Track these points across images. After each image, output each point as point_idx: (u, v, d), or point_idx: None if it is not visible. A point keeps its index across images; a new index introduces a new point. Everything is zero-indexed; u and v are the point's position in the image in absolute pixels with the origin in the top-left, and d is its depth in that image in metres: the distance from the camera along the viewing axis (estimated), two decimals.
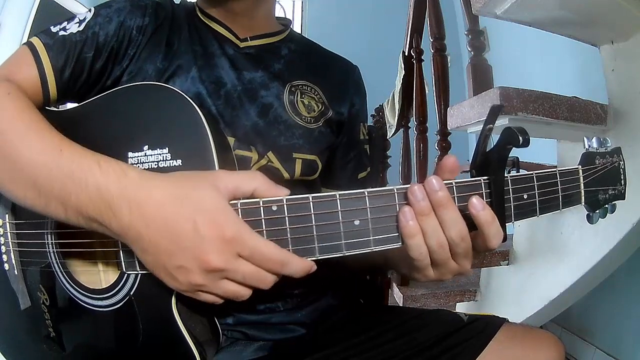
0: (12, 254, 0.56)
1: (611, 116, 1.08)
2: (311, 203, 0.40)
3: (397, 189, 0.41)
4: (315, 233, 0.40)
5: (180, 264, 0.39)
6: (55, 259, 0.53)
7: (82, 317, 0.51)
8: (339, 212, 0.40)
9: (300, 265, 0.40)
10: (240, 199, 0.40)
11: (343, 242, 0.41)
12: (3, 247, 0.56)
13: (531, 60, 2.32)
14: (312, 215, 0.40)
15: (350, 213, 0.40)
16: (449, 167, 0.42)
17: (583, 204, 0.49)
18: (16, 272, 0.56)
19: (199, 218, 0.38)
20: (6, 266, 0.56)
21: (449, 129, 1.41)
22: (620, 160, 0.52)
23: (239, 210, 0.40)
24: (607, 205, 0.51)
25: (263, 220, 0.40)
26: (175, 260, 0.39)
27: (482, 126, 0.43)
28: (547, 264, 1.26)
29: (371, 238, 0.41)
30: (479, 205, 0.40)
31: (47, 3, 2.55)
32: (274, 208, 0.40)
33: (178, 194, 0.39)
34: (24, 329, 0.57)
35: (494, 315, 0.61)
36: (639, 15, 0.96)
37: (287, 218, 0.40)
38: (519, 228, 1.42)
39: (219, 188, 0.39)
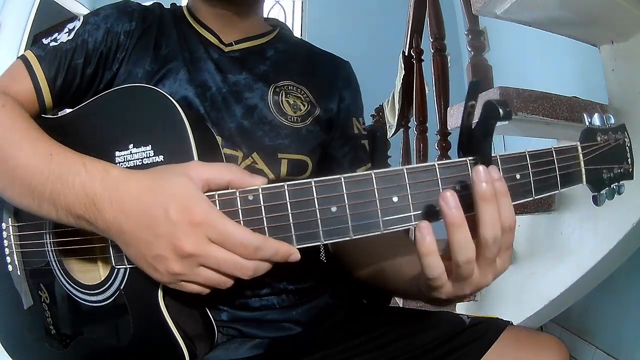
0: (15, 255, 0.58)
1: None
2: (286, 191, 0.40)
3: (374, 174, 0.39)
4: (291, 221, 0.40)
5: (157, 252, 0.40)
6: (54, 258, 0.54)
7: (79, 312, 0.52)
8: (315, 199, 0.39)
9: (274, 249, 0.39)
10: (216, 191, 0.41)
11: (320, 229, 0.40)
12: (7, 249, 0.58)
13: (531, 60, 2.32)
14: (288, 203, 0.40)
15: (327, 200, 0.39)
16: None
17: (585, 183, 0.45)
18: (19, 273, 0.57)
19: (170, 205, 0.39)
20: (10, 267, 0.58)
21: (449, 129, 1.41)
22: (626, 138, 0.48)
23: (217, 201, 0.41)
24: (613, 186, 0.47)
25: (240, 210, 0.40)
26: (153, 249, 0.40)
27: (473, 110, 0.41)
28: (547, 264, 1.26)
29: (350, 225, 0.39)
30: (482, 176, 0.36)
31: (47, 3, 2.56)
32: (250, 197, 0.40)
33: (152, 185, 0.41)
34: (28, 328, 0.58)
35: (497, 318, 0.60)
36: (639, 15, 0.96)
37: (262, 207, 0.40)
38: (519, 228, 1.42)
39: (191, 177, 0.40)
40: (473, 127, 0.40)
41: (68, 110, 0.58)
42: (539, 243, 1.33)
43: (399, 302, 1.49)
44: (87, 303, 0.51)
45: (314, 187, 0.39)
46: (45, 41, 0.59)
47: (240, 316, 0.61)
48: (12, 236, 0.58)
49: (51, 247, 0.54)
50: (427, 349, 0.56)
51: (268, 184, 0.60)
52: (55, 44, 0.58)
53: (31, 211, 0.46)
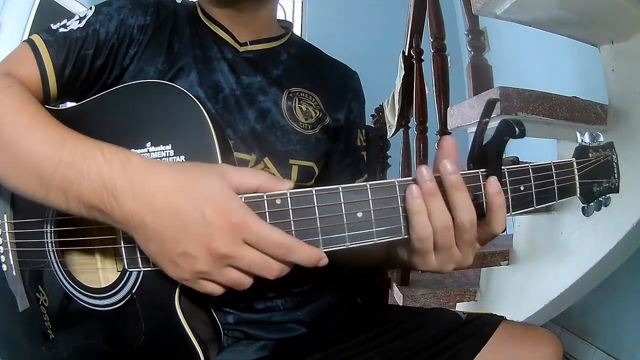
0: (10, 254, 0.55)
1: (611, 116, 1.08)
2: (314, 196, 0.40)
3: (398, 182, 0.41)
4: (319, 225, 0.41)
5: (185, 250, 0.39)
6: (55, 258, 0.52)
7: (83, 317, 0.51)
8: (342, 204, 0.41)
9: (307, 253, 0.40)
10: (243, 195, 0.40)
11: (346, 234, 0.41)
12: (1, 248, 0.56)
13: (531, 60, 2.32)
14: (316, 207, 0.40)
15: (353, 205, 0.41)
16: (449, 146, 0.43)
17: (578, 195, 0.50)
18: (14, 273, 0.55)
19: (206, 206, 0.38)
20: (4, 267, 0.56)
21: (449, 129, 1.40)
22: (614, 154, 0.53)
23: None
24: (601, 199, 0.52)
25: (267, 213, 0.40)
26: (181, 247, 0.39)
27: (486, 127, 0.44)
28: (547, 264, 1.26)
29: (374, 230, 0.41)
30: (496, 187, 0.41)
31: (47, 3, 2.56)
32: (278, 201, 0.41)
33: (185, 181, 0.39)
34: (23, 332, 0.56)
35: (492, 314, 0.62)
36: (639, 15, 0.96)
37: (290, 211, 0.40)
38: (519, 228, 1.42)
39: (225, 178, 0.39)
40: (484, 142, 0.44)
41: (69, 104, 0.55)
42: (539, 243, 1.33)
43: (398, 301, 1.49)
44: (92, 307, 0.49)
45: (341, 193, 0.41)
46: (53, 27, 0.56)
47: (246, 318, 0.61)
48: (7, 234, 0.55)
49: (52, 246, 0.52)
50: (425, 346, 0.57)
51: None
52: (65, 30, 0.55)
53: (36, 199, 0.43)
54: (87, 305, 0.50)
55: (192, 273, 0.40)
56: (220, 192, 0.39)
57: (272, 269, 0.40)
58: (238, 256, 0.39)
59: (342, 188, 0.41)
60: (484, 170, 0.43)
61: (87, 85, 0.57)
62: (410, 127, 2.06)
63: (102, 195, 0.39)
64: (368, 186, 0.41)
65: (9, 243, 0.55)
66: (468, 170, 0.44)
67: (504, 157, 0.44)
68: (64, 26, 0.56)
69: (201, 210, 0.38)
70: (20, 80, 0.51)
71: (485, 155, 0.43)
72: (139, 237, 0.40)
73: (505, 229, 0.43)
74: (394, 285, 1.53)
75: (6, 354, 0.59)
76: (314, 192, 0.41)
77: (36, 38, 0.55)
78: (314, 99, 0.66)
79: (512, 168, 0.45)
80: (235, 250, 0.38)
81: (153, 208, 0.38)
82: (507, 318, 0.61)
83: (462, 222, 0.41)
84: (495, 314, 0.62)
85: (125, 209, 0.39)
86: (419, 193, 0.40)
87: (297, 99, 0.65)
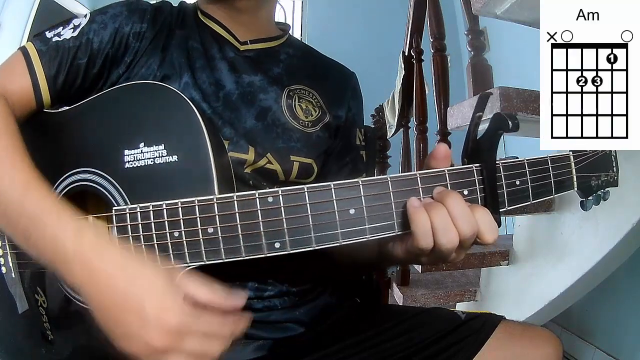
0: (9, 256, 0.55)
1: None
2: (306, 193, 0.41)
3: (390, 178, 0.41)
4: (311, 223, 0.41)
5: (125, 331, 0.39)
6: None
7: (81, 317, 0.50)
8: (334, 201, 0.41)
9: (242, 326, 0.41)
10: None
11: (339, 231, 0.41)
12: (0, 250, 0.56)
13: (531, 60, 2.32)
14: (308, 205, 0.40)
15: (345, 202, 0.41)
16: (442, 155, 0.43)
17: (575, 189, 0.49)
18: (13, 275, 0.55)
19: (147, 300, 0.38)
20: (3, 269, 0.56)
21: (449, 129, 1.41)
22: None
23: (235, 202, 0.41)
24: (600, 192, 0.51)
25: (259, 211, 0.41)
26: (122, 328, 0.39)
27: (480, 121, 0.44)
28: (547, 264, 1.26)
29: (367, 226, 0.41)
30: (415, 202, 0.41)
31: (47, 3, 2.56)
32: (270, 199, 0.41)
33: (130, 269, 0.40)
34: (22, 333, 0.56)
35: (491, 313, 0.62)
36: None
37: (282, 209, 0.41)
38: (519, 228, 1.42)
39: (172, 277, 0.40)
40: (478, 137, 0.44)
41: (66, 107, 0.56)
42: (539, 243, 1.33)
43: (398, 301, 1.49)
44: (89, 307, 0.50)
45: (333, 190, 0.40)
46: (48, 34, 0.56)
47: None
48: (5, 236, 0.55)
49: None
50: (423, 346, 0.57)
51: (279, 183, 0.60)
52: (59, 39, 0.56)
53: (6, 234, 0.45)
54: (85, 306, 0.49)
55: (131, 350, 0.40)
56: (162, 288, 0.39)
57: (213, 355, 0.40)
58: (176, 350, 0.39)
59: (334, 185, 0.41)
60: (478, 164, 0.43)
61: (81, 92, 0.58)
62: (410, 127, 2.05)
63: (55, 259, 0.41)
64: (360, 182, 0.41)
65: (7, 245, 0.55)
66: (462, 164, 0.44)
67: (503, 157, 0.44)
68: (58, 35, 0.56)
69: (141, 303, 0.38)
70: (12, 94, 0.53)
71: (479, 150, 0.43)
72: (88, 303, 0.42)
73: (499, 224, 0.43)
74: (394, 285, 1.53)
75: (6, 356, 0.59)
76: (305, 190, 0.41)
77: (30, 47, 0.55)
78: (314, 96, 0.67)
79: (507, 162, 0.44)
80: (172, 345, 0.38)
81: (98, 288, 0.40)
82: (506, 317, 0.61)
83: (464, 232, 0.41)
84: (495, 314, 0.62)
85: (74, 280, 0.40)
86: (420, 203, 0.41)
87: (297, 97, 0.65)
